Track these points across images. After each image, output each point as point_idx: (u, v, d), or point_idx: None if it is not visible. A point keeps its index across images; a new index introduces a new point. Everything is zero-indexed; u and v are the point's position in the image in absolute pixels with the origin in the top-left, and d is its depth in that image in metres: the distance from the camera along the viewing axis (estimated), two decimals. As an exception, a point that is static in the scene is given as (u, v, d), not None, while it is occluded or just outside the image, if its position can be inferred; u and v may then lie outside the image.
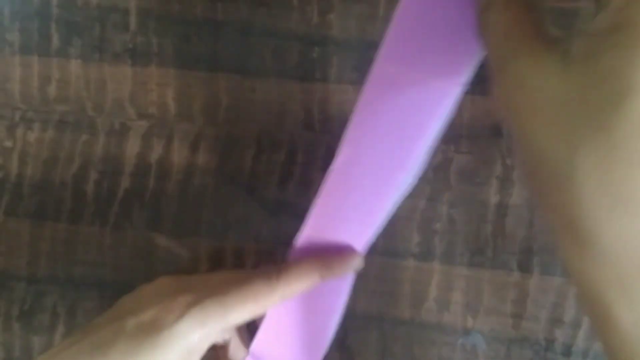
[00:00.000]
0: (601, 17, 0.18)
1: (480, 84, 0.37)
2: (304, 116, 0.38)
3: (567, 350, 0.37)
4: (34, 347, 0.39)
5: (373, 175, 0.29)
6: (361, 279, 0.38)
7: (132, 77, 0.39)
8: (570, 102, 0.18)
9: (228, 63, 0.38)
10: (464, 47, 0.26)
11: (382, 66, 0.28)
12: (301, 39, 0.38)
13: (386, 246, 0.38)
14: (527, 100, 0.19)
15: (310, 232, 0.31)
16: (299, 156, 0.38)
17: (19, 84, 0.39)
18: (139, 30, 0.38)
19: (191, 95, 0.38)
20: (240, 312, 0.28)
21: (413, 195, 0.37)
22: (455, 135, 0.37)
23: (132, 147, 0.39)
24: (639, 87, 0.17)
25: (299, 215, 0.38)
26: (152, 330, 0.27)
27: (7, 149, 0.39)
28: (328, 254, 0.30)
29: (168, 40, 0.38)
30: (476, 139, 0.37)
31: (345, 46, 0.38)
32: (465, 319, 0.38)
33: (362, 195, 0.29)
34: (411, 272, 0.38)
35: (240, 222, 0.38)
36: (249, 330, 0.34)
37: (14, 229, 0.39)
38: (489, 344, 0.37)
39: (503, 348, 0.37)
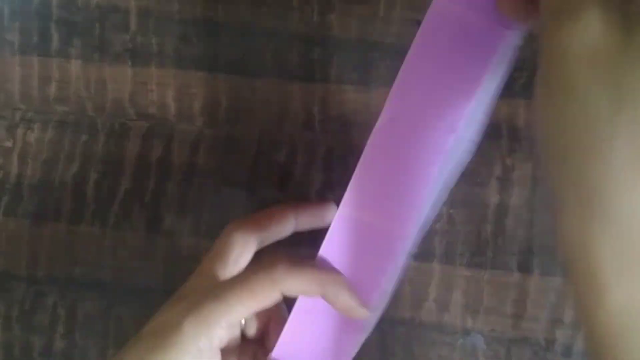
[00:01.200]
0: None
1: (480, 84, 0.37)
2: (304, 116, 0.38)
3: (567, 351, 0.37)
4: (34, 347, 0.39)
5: (418, 139, 0.26)
6: (361, 279, 0.38)
7: (132, 77, 0.39)
8: (626, 63, 0.17)
9: (228, 63, 0.38)
10: None
11: (440, 4, 0.26)
12: (301, 39, 0.38)
13: (386, 246, 0.38)
14: (581, 51, 0.18)
15: (346, 212, 0.28)
16: (299, 156, 0.38)
17: (19, 84, 0.39)
18: (139, 30, 0.38)
19: (191, 95, 0.38)
20: (239, 307, 0.28)
21: (413, 196, 0.37)
22: (455, 136, 0.37)
23: (132, 147, 0.39)
24: None
25: (299, 215, 0.38)
26: (163, 333, 0.28)
27: (7, 149, 0.39)
28: (342, 276, 0.28)
29: (168, 40, 0.38)
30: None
31: (345, 46, 0.38)
32: (465, 319, 0.38)
33: (406, 165, 0.26)
34: (411, 272, 0.38)
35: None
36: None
37: (13, 229, 0.39)
38: (488, 344, 0.37)
39: (503, 348, 0.37)
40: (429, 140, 0.26)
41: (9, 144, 0.39)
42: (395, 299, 0.38)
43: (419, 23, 0.37)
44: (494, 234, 0.37)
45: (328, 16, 0.38)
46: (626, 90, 0.17)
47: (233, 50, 0.38)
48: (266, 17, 0.38)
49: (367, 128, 0.38)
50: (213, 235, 0.38)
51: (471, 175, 0.37)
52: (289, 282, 0.28)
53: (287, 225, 0.34)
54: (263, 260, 0.32)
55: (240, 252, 0.32)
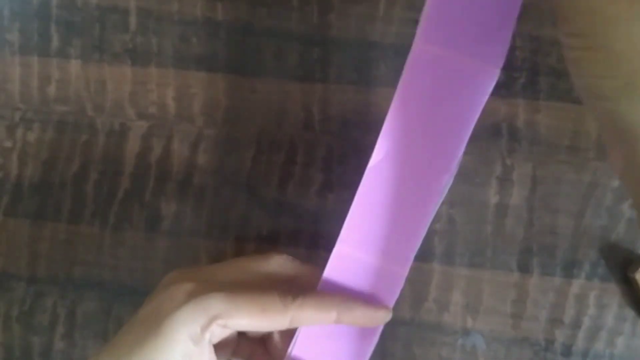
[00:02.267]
0: None
1: (480, 84, 0.37)
2: (304, 116, 0.38)
3: (567, 351, 0.37)
4: (33, 347, 0.39)
5: (413, 179, 0.26)
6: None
7: (132, 77, 0.39)
8: None
9: (228, 63, 0.38)
10: (501, 25, 0.25)
11: (420, 48, 0.26)
12: (301, 39, 0.38)
13: (386, 246, 0.38)
14: None
15: (343, 247, 0.28)
16: (299, 156, 0.38)
17: (19, 84, 0.39)
18: (139, 30, 0.38)
19: (191, 95, 0.38)
20: (245, 317, 0.27)
21: (413, 196, 0.37)
22: (455, 136, 0.37)
23: (132, 147, 0.39)
24: None
25: (299, 215, 0.38)
26: (155, 319, 0.27)
27: (7, 149, 0.39)
28: (354, 297, 0.28)
29: (168, 40, 0.38)
30: (476, 139, 0.37)
31: (345, 46, 0.38)
32: (465, 319, 0.38)
33: (401, 203, 0.27)
34: (411, 273, 0.38)
35: (240, 222, 0.38)
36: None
37: (13, 230, 0.39)
38: (488, 344, 0.37)
39: (503, 348, 0.37)
40: (423, 180, 0.26)
41: (8, 144, 0.39)
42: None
43: (418, 23, 0.37)
44: (494, 234, 0.37)
45: (328, 16, 0.38)
46: None
47: (233, 50, 0.38)
48: (266, 17, 0.38)
49: (367, 128, 0.38)
50: (213, 236, 0.39)
51: (471, 175, 0.37)
52: (300, 313, 0.27)
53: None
54: (276, 264, 0.31)
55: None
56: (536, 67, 0.37)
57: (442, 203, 0.37)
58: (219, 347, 0.29)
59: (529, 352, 0.37)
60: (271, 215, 0.38)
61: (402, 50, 0.38)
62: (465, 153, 0.37)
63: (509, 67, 0.37)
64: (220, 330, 0.27)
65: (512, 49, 0.37)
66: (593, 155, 0.37)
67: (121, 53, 0.39)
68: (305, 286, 0.30)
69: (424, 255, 0.38)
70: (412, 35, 0.37)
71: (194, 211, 0.39)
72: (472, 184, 0.37)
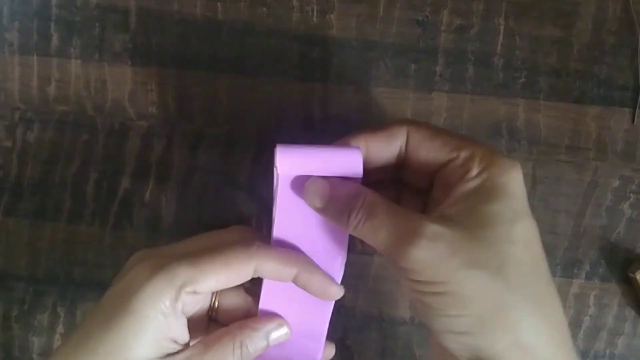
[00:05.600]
0: (468, 182, 0.26)
1: (479, 84, 0.38)
2: (304, 116, 0.38)
3: (567, 350, 0.37)
4: (33, 347, 0.39)
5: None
6: (361, 279, 0.38)
7: (132, 77, 0.39)
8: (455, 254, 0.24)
9: (228, 63, 0.38)
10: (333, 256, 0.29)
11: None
12: (301, 39, 0.38)
13: (386, 246, 0.38)
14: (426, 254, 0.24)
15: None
16: (299, 156, 0.38)
17: (19, 83, 0.39)
18: (139, 30, 0.38)
19: (191, 95, 0.38)
20: (212, 276, 0.27)
21: (413, 195, 0.37)
22: (455, 136, 0.37)
23: (132, 147, 0.39)
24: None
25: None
26: (123, 298, 0.27)
27: (7, 149, 0.39)
28: (314, 263, 0.29)
29: (168, 40, 0.38)
30: (476, 139, 0.37)
31: (345, 46, 0.38)
32: (465, 319, 0.38)
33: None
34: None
35: (240, 222, 0.38)
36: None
37: (13, 229, 0.39)
38: (488, 344, 0.37)
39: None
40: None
41: (8, 143, 0.39)
42: (395, 299, 0.38)
43: (418, 23, 0.37)
44: (494, 233, 0.37)
45: (328, 16, 0.38)
46: None
47: (233, 50, 0.38)
48: (266, 17, 0.38)
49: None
50: (213, 235, 0.38)
51: (471, 175, 0.37)
52: (264, 260, 0.27)
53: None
54: (235, 232, 0.31)
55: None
56: (536, 67, 0.37)
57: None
58: (190, 325, 0.29)
59: (529, 352, 0.37)
60: (271, 215, 0.38)
61: (401, 50, 0.38)
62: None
63: (509, 67, 0.37)
64: (192, 299, 0.27)
65: (512, 49, 0.37)
66: (593, 155, 0.37)
67: (121, 53, 0.39)
68: None
69: (424, 255, 0.37)
70: (412, 35, 0.37)
71: (193, 211, 0.38)
72: (472, 184, 0.37)
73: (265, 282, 0.29)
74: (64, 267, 0.39)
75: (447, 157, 0.27)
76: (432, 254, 0.24)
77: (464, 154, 0.26)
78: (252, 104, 0.38)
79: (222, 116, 0.38)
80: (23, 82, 0.39)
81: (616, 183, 0.37)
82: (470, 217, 0.25)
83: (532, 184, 0.37)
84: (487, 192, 0.25)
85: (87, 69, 0.39)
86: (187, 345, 0.28)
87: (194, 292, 0.27)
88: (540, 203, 0.37)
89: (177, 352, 0.27)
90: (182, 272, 0.27)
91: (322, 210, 0.27)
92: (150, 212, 0.39)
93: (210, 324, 0.31)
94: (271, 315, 0.29)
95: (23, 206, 0.39)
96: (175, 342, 0.27)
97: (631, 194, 0.37)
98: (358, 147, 0.27)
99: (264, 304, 0.29)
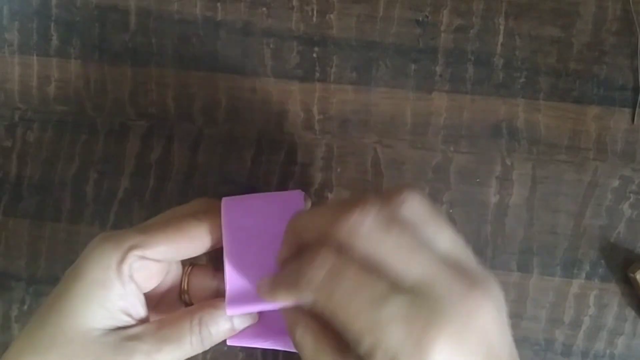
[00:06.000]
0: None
1: (479, 84, 0.38)
2: (304, 116, 0.38)
3: (567, 350, 0.37)
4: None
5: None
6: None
7: (132, 77, 0.39)
8: None
9: (228, 63, 0.38)
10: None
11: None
12: (301, 39, 0.38)
13: (386, 246, 0.38)
14: None
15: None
16: (299, 156, 0.38)
17: (18, 83, 0.39)
18: (139, 30, 0.38)
19: (191, 95, 0.38)
20: (163, 242, 0.26)
21: (413, 195, 0.37)
22: (455, 135, 0.37)
23: (132, 147, 0.39)
24: None
25: (299, 215, 0.38)
26: (74, 267, 0.27)
27: (7, 149, 0.39)
28: None
29: (168, 40, 0.38)
30: (476, 139, 0.37)
31: (345, 46, 0.38)
32: (465, 319, 0.38)
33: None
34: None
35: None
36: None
37: (13, 229, 0.39)
38: (488, 344, 0.37)
39: (503, 348, 0.37)
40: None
41: (8, 143, 0.39)
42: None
43: (418, 23, 0.37)
44: (494, 233, 0.37)
45: (327, 16, 0.38)
46: None
47: (233, 50, 0.38)
48: (266, 17, 0.38)
49: (367, 128, 0.38)
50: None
51: (471, 175, 0.37)
52: (216, 224, 0.27)
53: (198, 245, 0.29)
54: (197, 204, 0.30)
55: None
56: (536, 67, 0.37)
57: (442, 203, 0.37)
58: (164, 307, 0.28)
59: (529, 352, 0.37)
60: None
61: (401, 50, 0.38)
62: (465, 153, 0.37)
63: (509, 67, 0.37)
64: (141, 264, 0.26)
65: (512, 49, 0.37)
66: (593, 155, 0.37)
67: (121, 53, 0.39)
68: None
69: (424, 255, 0.37)
70: (412, 35, 0.37)
71: (194, 211, 0.38)
72: (472, 184, 0.37)
73: (226, 261, 0.28)
74: (63, 267, 0.39)
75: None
76: None
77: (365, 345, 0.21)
78: (252, 104, 0.38)
79: (222, 116, 0.38)
80: (23, 82, 0.39)
81: (616, 183, 0.37)
82: None
83: (532, 184, 0.37)
84: None
85: (87, 69, 0.39)
86: (144, 322, 0.27)
87: (143, 257, 0.26)
88: (540, 203, 0.37)
89: (130, 327, 0.26)
90: (130, 236, 0.26)
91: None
92: (150, 212, 0.39)
93: (186, 307, 0.31)
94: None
95: (23, 206, 0.39)
96: (129, 315, 0.26)
97: (631, 194, 0.37)
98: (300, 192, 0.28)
99: (231, 283, 0.28)
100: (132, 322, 0.26)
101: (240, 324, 0.28)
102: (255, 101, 0.38)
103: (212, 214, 0.27)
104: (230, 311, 0.28)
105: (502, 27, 0.37)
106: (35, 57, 0.39)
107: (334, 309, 0.21)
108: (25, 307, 0.39)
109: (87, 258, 0.26)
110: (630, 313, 0.37)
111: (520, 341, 0.37)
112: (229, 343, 0.29)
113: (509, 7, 0.37)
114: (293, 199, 0.28)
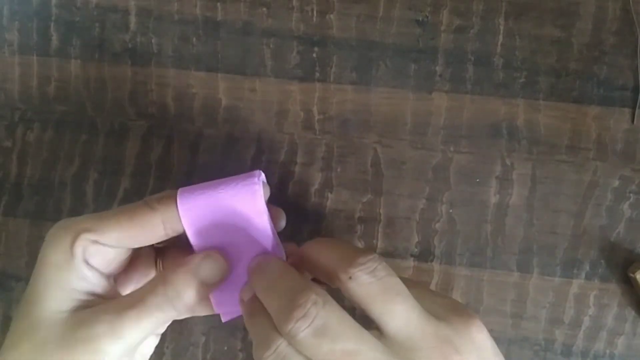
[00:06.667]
0: None
1: (479, 84, 0.38)
2: (304, 116, 0.38)
3: (567, 350, 0.37)
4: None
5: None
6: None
7: (132, 77, 0.39)
8: None
9: (228, 63, 0.38)
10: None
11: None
12: (301, 39, 0.38)
13: (386, 246, 0.38)
14: None
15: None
16: (299, 156, 0.38)
17: (18, 83, 0.39)
18: (139, 30, 0.38)
19: (191, 95, 0.38)
20: (115, 228, 0.26)
21: (413, 196, 0.37)
22: (455, 135, 0.37)
23: (132, 147, 0.39)
24: None
25: (299, 215, 0.38)
26: (38, 257, 0.27)
27: (7, 149, 0.39)
28: None
29: (168, 40, 0.38)
30: (476, 139, 0.37)
31: (345, 46, 0.38)
32: (465, 319, 0.38)
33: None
34: (411, 272, 0.38)
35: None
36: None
37: (13, 229, 0.39)
38: (488, 344, 0.37)
39: (503, 348, 0.37)
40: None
41: (8, 143, 0.39)
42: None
43: (418, 23, 0.37)
44: (494, 233, 0.37)
45: (327, 16, 0.38)
46: None
47: (233, 50, 0.38)
48: (266, 17, 0.38)
49: (367, 128, 0.38)
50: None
51: (471, 175, 0.37)
52: (168, 212, 0.26)
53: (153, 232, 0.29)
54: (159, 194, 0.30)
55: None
56: (536, 67, 0.37)
57: (442, 203, 0.37)
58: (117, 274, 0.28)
59: (529, 352, 0.37)
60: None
61: (401, 50, 0.38)
62: (465, 153, 0.37)
63: (509, 67, 0.37)
64: (95, 248, 0.26)
65: (512, 49, 0.37)
66: (593, 155, 0.37)
67: (121, 53, 0.39)
68: None
69: (424, 255, 0.38)
70: (412, 35, 0.37)
71: (193, 211, 0.38)
72: (472, 184, 0.37)
73: (190, 233, 0.28)
74: (63, 267, 0.39)
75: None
76: None
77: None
78: (252, 104, 0.38)
79: (222, 116, 0.38)
80: (23, 82, 0.39)
81: (616, 183, 0.37)
82: None
83: (532, 184, 0.37)
84: None
85: (87, 69, 0.39)
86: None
87: (96, 242, 0.26)
88: (540, 203, 0.37)
89: (95, 304, 0.26)
90: (83, 221, 0.26)
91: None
92: (150, 212, 0.39)
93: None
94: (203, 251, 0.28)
95: (23, 206, 0.39)
96: (94, 294, 0.26)
97: (631, 194, 0.37)
98: (256, 180, 0.27)
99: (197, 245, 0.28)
100: (99, 300, 0.26)
101: (209, 274, 0.27)
102: (255, 101, 0.38)
103: (166, 202, 0.27)
104: (224, 318, 0.29)
105: (502, 27, 0.37)
106: (35, 57, 0.39)
107: None
108: (18, 305, 0.39)
109: (45, 244, 0.26)
110: (630, 313, 0.37)
111: (520, 341, 0.37)
112: (223, 320, 0.29)
113: (509, 7, 0.37)
114: (251, 183, 0.27)
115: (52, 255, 0.26)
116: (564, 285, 0.37)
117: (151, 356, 0.37)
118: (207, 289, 0.27)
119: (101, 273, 0.27)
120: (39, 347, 0.25)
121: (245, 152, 0.38)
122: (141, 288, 0.26)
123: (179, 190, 0.27)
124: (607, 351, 0.37)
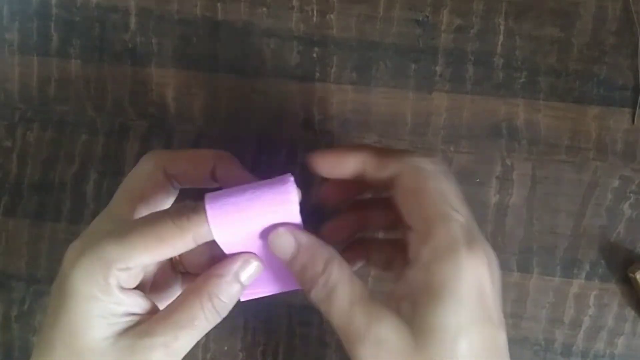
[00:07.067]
0: (419, 271, 0.25)
1: (479, 84, 0.38)
2: (304, 116, 0.38)
3: (567, 351, 0.37)
4: (32, 347, 0.39)
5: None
6: (361, 279, 0.38)
7: (132, 77, 0.39)
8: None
9: (228, 63, 0.38)
10: None
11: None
12: (301, 39, 0.38)
13: (386, 246, 0.38)
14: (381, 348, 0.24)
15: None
16: (299, 156, 0.38)
17: (19, 83, 0.39)
18: (139, 30, 0.38)
19: (191, 95, 0.38)
20: (144, 253, 0.25)
21: (413, 195, 0.37)
22: (455, 135, 0.37)
23: (132, 147, 0.39)
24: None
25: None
26: (60, 286, 0.26)
27: (7, 149, 0.39)
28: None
29: (168, 40, 0.38)
30: (476, 139, 0.37)
31: (345, 46, 0.38)
32: (465, 319, 0.38)
33: None
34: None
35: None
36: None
37: (13, 229, 0.39)
38: (488, 344, 0.37)
39: (503, 348, 0.37)
40: None
41: (8, 143, 0.39)
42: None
43: (418, 23, 0.37)
44: (494, 233, 0.37)
45: (328, 16, 0.38)
46: None
47: (233, 50, 0.38)
48: (266, 17, 0.38)
49: (367, 128, 0.38)
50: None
51: (471, 175, 0.37)
52: (199, 229, 0.26)
53: (204, 165, 0.30)
54: (175, 205, 0.30)
55: (151, 187, 0.29)
56: (536, 67, 0.37)
57: (442, 203, 0.37)
58: (159, 285, 0.28)
59: (529, 352, 0.37)
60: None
61: (402, 50, 0.38)
62: (465, 153, 0.37)
63: (509, 67, 0.37)
64: (127, 274, 0.26)
65: (512, 49, 0.37)
66: (593, 155, 0.37)
67: (121, 53, 0.39)
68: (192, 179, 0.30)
69: (424, 255, 0.38)
70: (412, 35, 0.38)
71: (194, 211, 0.38)
72: (472, 184, 0.37)
73: (221, 242, 0.27)
74: (64, 267, 0.39)
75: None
76: (375, 358, 0.24)
77: (420, 228, 0.25)
78: (252, 104, 0.38)
79: (222, 116, 0.38)
80: (23, 82, 0.39)
81: (616, 183, 0.37)
82: (418, 322, 0.24)
83: (532, 184, 0.37)
84: (436, 294, 0.24)
85: (87, 69, 0.39)
86: (154, 313, 0.27)
87: (127, 269, 0.26)
88: (540, 203, 0.37)
89: (140, 324, 0.26)
90: (111, 250, 0.25)
91: (287, 264, 0.27)
92: (150, 212, 0.39)
93: (183, 277, 0.31)
94: (236, 255, 0.27)
95: (23, 206, 0.39)
96: (133, 314, 0.26)
97: (631, 194, 0.37)
98: (290, 183, 0.26)
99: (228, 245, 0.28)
100: (140, 318, 0.26)
101: (248, 278, 0.27)
102: (255, 101, 0.38)
103: (195, 220, 0.26)
104: (243, 298, 0.28)
105: (502, 27, 0.37)
106: (35, 57, 0.39)
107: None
108: (25, 307, 0.39)
109: (71, 275, 0.25)
110: (630, 313, 0.37)
111: (520, 341, 0.37)
112: (241, 299, 0.29)
113: (509, 7, 0.37)
114: (284, 192, 0.26)
115: (85, 288, 0.25)
116: (564, 285, 0.37)
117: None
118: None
119: (134, 292, 0.27)
120: None
121: (245, 152, 0.38)
122: (186, 304, 0.26)
123: (207, 199, 0.26)
124: (607, 351, 0.37)
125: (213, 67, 0.38)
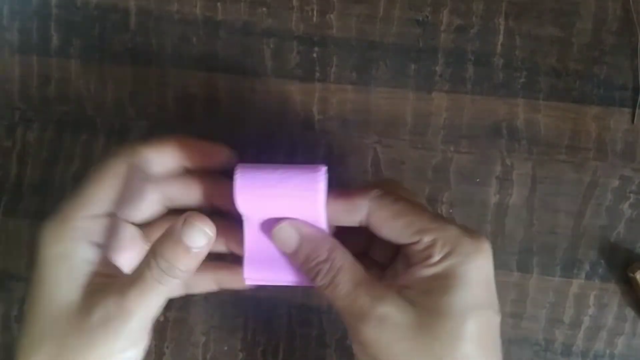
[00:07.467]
0: (427, 268, 0.25)
1: (479, 84, 0.38)
2: (304, 116, 0.38)
3: (567, 350, 0.37)
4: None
5: None
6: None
7: (132, 77, 0.39)
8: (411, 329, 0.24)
9: (228, 63, 0.38)
10: None
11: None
12: (301, 39, 0.38)
13: (386, 246, 0.38)
14: (387, 330, 0.25)
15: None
16: (299, 156, 0.38)
17: (19, 83, 0.39)
18: (139, 30, 0.38)
19: (191, 95, 0.38)
20: (102, 193, 0.27)
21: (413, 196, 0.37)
22: (455, 135, 0.37)
23: (132, 147, 0.39)
24: (451, 320, 0.24)
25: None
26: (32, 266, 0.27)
27: (7, 149, 0.39)
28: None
29: (168, 40, 0.38)
30: (476, 139, 0.37)
31: (345, 46, 0.38)
32: (465, 319, 0.37)
33: None
34: (411, 272, 0.38)
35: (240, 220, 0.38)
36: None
37: (13, 229, 0.39)
38: (488, 344, 0.37)
39: (503, 348, 0.37)
40: None
41: (8, 143, 0.39)
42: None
43: (418, 23, 0.37)
44: (494, 233, 0.37)
45: (328, 16, 0.38)
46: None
47: (233, 50, 0.38)
48: (266, 17, 0.38)
49: (367, 128, 0.38)
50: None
51: (471, 175, 0.37)
52: (145, 151, 0.27)
53: (167, 156, 0.31)
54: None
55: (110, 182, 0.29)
56: (536, 67, 0.37)
57: (442, 203, 0.37)
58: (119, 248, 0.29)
59: (529, 352, 0.37)
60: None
61: (402, 50, 0.38)
62: (465, 153, 0.37)
63: (509, 67, 0.37)
64: (95, 225, 0.27)
65: (512, 49, 0.37)
66: (593, 155, 0.37)
67: (121, 53, 0.39)
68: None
69: (424, 255, 0.37)
70: (412, 35, 0.38)
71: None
72: (472, 184, 0.37)
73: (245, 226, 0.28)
74: (64, 267, 0.39)
75: (408, 240, 0.26)
76: (379, 336, 0.24)
77: (426, 240, 0.26)
78: (252, 104, 0.38)
79: (222, 116, 0.38)
80: (23, 82, 0.39)
81: (616, 183, 0.37)
82: (424, 304, 0.25)
83: (532, 184, 0.37)
84: (444, 281, 0.25)
85: (87, 68, 0.39)
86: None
87: (92, 217, 0.27)
88: (540, 203, 0.37)
89: (103, 283, 0.27)
90: (69, 204, 0.27)
91: (290, 257, 0.28)
92: (150, 212, 0.39)
93: None
94: (182, 215, 0.26)
95: (23, 206, 0.39)
96: (99, 275, 0.27)
97: (631, 194, 0.37)
98: (322, 170, 0.27)
99: (250, 250, 0.29)
100: (105, 280, 0.27)
101: (192, 241, 0.25)
102: (255, 101, 0.38)
103: (126, 146, 0.28)
104: (247, 274, 0.28)
105: (502, 27, 0.37)
106: (35, 57, 0.39)
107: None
108: (26, 307, 0.39)
109: (39, 243, 0.27)
110: (630, 313, 0.37)
111: (520, 341, 0.37)
112: (247, 283, 0.29)
113: (509, 7, 0.37)
114: (314, 181, 0.27)
115: (52, 249, 0.26)
116: (564, 285, 0.37)
117: (151, 356, 0.37)
118: (200, 253, 0.26)
119: (101, 248, 0.27)
120: (61, 344, 0.26)
121: (245, 152, 0.38)
122: (139, 264, 0.26)
123: (239, 167, 0.27)
124: (607, 351, 0.37)
125: (213, 67, 0.38)
